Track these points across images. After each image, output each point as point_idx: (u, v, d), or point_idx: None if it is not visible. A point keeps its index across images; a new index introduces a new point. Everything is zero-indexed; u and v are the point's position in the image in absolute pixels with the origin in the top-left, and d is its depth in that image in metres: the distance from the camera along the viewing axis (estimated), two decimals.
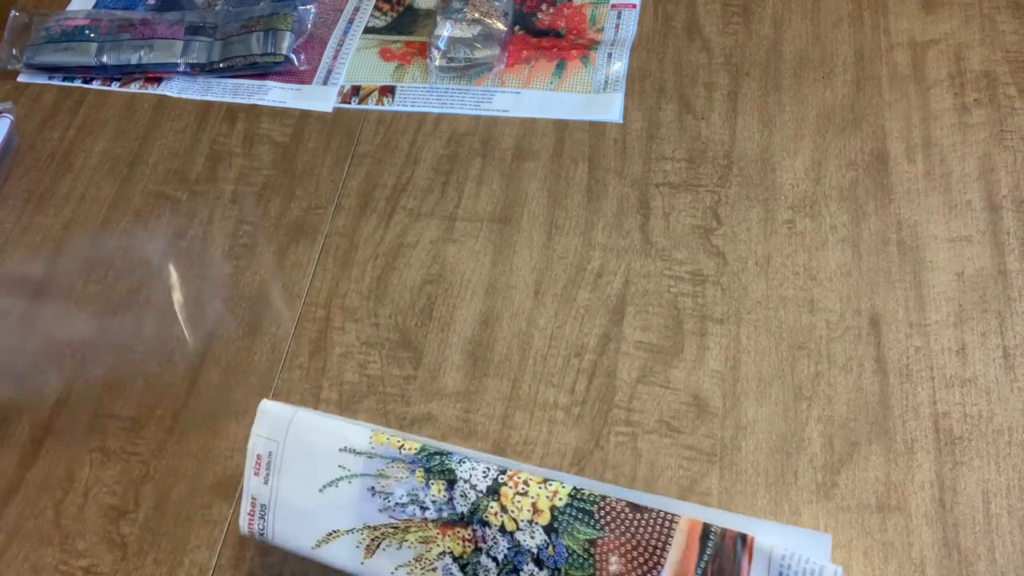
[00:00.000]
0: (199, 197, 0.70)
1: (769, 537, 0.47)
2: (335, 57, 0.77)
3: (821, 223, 0.64)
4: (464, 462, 0.50)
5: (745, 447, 0.56)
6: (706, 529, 0.47)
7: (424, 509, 0.50)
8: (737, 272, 0.63)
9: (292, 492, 0.51)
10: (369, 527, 0.50)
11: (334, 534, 0.50)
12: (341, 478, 0.51)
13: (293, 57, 0.76)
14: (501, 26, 0.75)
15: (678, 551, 0.47)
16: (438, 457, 0.50)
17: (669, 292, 0.62)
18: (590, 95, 0.72)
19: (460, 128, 0.72)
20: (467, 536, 0.49)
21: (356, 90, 0.75)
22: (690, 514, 0.50)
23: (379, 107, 0.74)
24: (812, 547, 0.52)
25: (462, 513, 0.49)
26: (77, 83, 0.78)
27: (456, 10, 0.75)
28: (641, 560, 0.47)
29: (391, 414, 0.59)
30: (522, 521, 0.48)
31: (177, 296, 0.66)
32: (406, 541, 0.49)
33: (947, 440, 0.55)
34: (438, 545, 0.49)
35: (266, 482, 0.51)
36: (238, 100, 0.76)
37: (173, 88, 0.77)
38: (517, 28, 0.77)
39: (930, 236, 0.63)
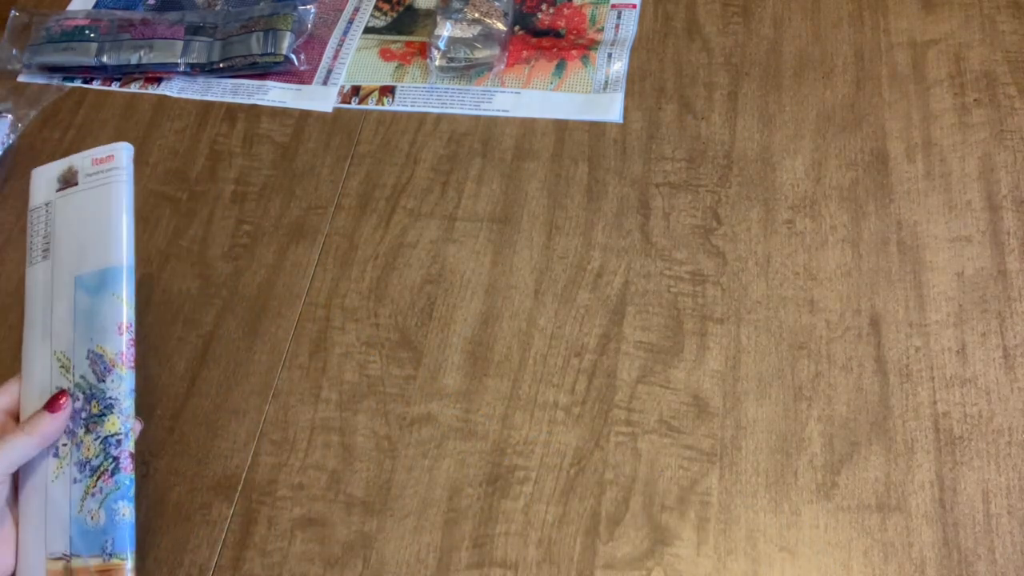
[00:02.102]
0: (199, 197, 0.70)
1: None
2: (335, 57, 0.77)
3: (821, 223, 0.64)
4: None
5: (745, 447, 0.56)
6: None
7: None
8: (737, 272, 0.63)
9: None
10: None
11: None
12: None
13: (293, 57, 0.76)
14: (501, 26, 0.75)
15: None
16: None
17: (669, 292, 0.62)
18: (590, 95, 0.72)
19: (460, 128, 0.72)
20: None
21: (356, 90, 0.75)
22: None
23: (379, 107, 0.74)
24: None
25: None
26: (77, 83, 0.78)
27: (456, 10, 0.75)
28: None
29: (391, 414, 0.59)
30: None
31: (178, 296, 0.66)
32: None
33: (947, 440, 0.55)
34: None
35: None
36: (238, 100, 0.76)
37: (173, 88, 0.77)
38: (517, 28, 0.77)
39: (930, 236, 0.63)
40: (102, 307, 0.52)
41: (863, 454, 0.55)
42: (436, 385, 0.60)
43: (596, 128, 0.71)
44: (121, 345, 0.52)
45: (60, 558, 0.50)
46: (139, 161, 0.73)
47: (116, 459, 0.50)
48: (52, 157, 0.74)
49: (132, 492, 0.51)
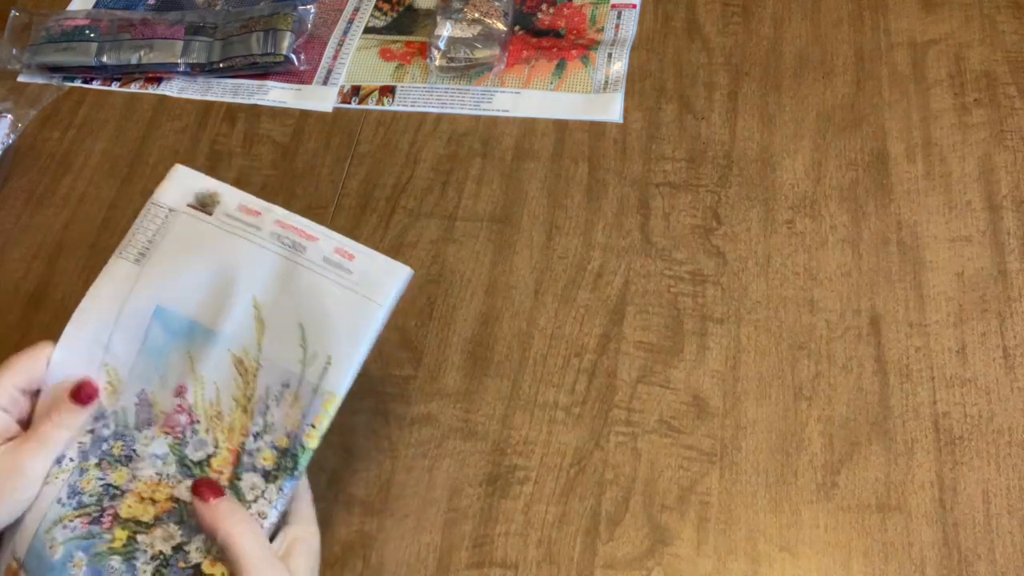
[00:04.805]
0: None
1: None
2: (335, 57, 0.77)
3: (821, 223, 0.64)
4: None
5: (745, 447, 0.56)
6: None
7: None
8: (737, 272, 0.63)
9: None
10: None
11: None
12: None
13: (293, 57, 0.76)
14: (501, 26, 0.75)
15: None
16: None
17: (669, 292, 0.62)
18: (590, 95, 0.72)
19: (460, 128, 0.72)
20: None
21: (356, 90, 0.75)
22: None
23: (379, 107, 0.74)
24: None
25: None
26: (77, 83, 0.78)
27: (456, 10, 0.75)
28: None
29: (391, 414, 0.59)
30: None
31: None
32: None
33: (947, 440, 0.55)
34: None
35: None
36: (238, 100, 0.76)
37: (173, 88, 0.77)
38: (517, 28, 0.77)
39: (930, 236, 0.63)
40: (172, 359, 0.48)
41: (863, 454, 0.55)
42: (436, 385, 0.60)
43: (596, 128, 0.71)
44: (170, 406, 0.48)
45: (14, 560, 0.46)
46: (139, 161, 0.73)
47: (102, 511, 0.46)
48: (52, 157, 0.74)
49: (96, 549, 0.46)
